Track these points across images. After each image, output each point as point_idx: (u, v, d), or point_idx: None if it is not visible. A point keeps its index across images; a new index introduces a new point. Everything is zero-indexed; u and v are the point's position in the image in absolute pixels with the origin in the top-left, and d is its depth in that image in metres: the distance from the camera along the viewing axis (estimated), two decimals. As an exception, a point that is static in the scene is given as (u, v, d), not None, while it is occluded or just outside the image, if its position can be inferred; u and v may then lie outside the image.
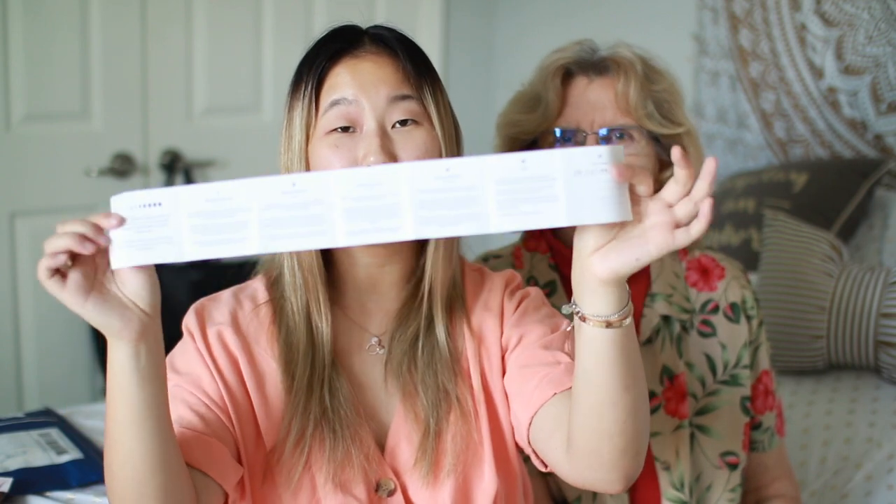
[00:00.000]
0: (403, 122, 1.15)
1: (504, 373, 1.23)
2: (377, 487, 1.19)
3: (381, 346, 1.23)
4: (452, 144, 1.19)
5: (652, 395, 1.49)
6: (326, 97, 1.15)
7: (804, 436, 1.95)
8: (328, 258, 1.22)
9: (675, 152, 0.91)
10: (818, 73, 2.54)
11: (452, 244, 1.21)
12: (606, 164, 0.91)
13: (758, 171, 2.57)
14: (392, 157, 1.13)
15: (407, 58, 1.17)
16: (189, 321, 1.22)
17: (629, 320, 1.00)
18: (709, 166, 0.90)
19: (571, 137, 1.47)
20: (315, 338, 1.19)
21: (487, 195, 0.92)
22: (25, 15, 2.70)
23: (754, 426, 1.58)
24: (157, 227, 0.97)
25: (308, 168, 1.17)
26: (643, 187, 0.93)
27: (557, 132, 1.47)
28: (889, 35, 2.37)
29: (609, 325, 0.98)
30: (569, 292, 1.52)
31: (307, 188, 0.94)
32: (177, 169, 2.98)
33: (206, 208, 0.96)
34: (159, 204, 0.96)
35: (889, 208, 2.33)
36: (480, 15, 3.51)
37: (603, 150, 0.91)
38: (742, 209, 2.44)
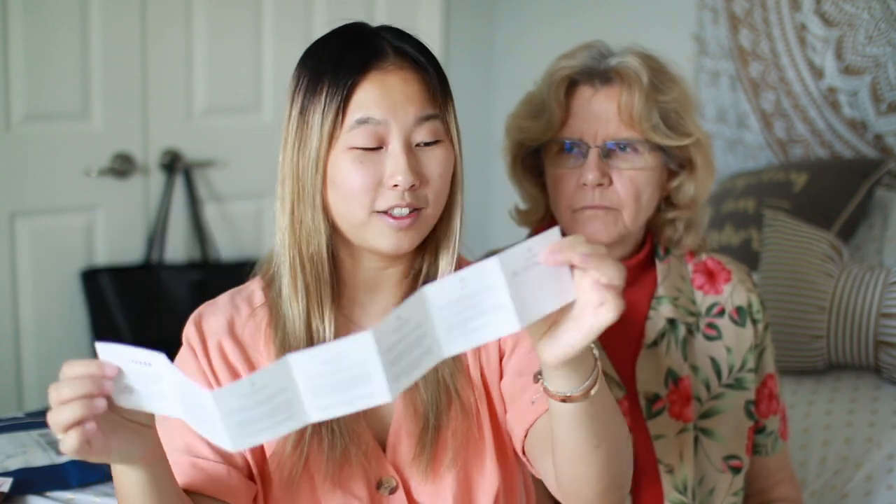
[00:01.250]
0: (429, 142, 1.15)
1: (501, 376, 1.23)
2: (378, 485, 1.19)
3: None
4: (461, 158, 1.20)
5: (656, 397, 1.49)
6: (353, 113, 1.13)
7: (804, 436, 1.95)
8: (331, 260, 1.21)
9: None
10: (818, 73, 2.54)
11: (452, 246, 1.21)
12: (537, 256, 0.90)
13: (758, 171, 2.57)
14: (419, 176, 1.13)
15: (434, 74, 1.16)
16: (189, 334, 1.22)
17: (596, 388, 0.99)
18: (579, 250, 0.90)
19: (575, 149, 1.47)
20: (315, 342, 1.18)
21: (434, 325, 0.89)
22: (25, 15, 2.70)
23: (758, 430, 1.58)
24: (153, 383, 0.94)
25: (325, 178, 1.14)
26: (577, 257, 0.91)
27: (567, 145, 1.47)
28: (889, 35, 2.37)
29: (570, 399, 0.99)
30: None
31: (267, 384, 0.88)
32: (177, 169, 2.98)
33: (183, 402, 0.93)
34: (149, 364, 0.93)
35: (889, 208, 2.33)
36: (480, 15, 3.51)
37: (532, 243, 0.90)
38: (742, 209, 2.44)
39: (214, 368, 1.18)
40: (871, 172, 2.35)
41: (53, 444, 1.75)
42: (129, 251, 2.95)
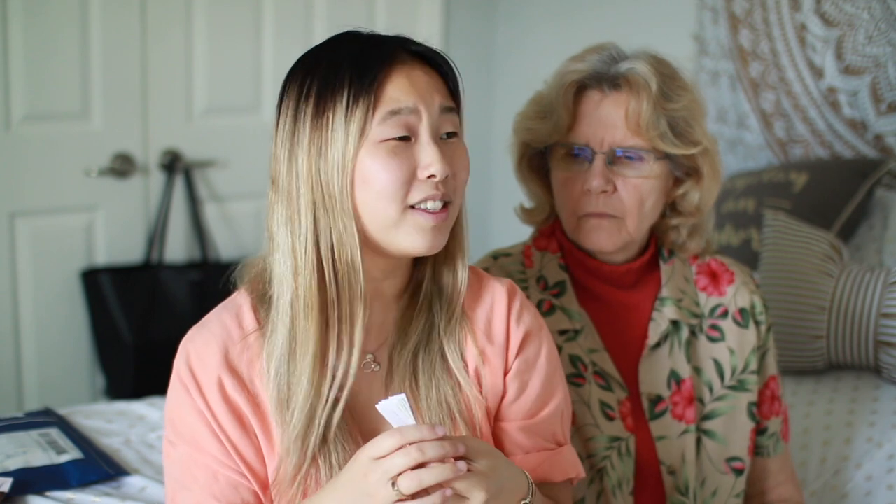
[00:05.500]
0: (450, 134, 1.15)
1: (496, 414, 1.23)
2: None
3: (375, 362, 1.20)
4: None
5: (659, 399, 1.49)
6: (384, 105, 1.10)
7: (804, 436, 1.95)
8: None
9: None
10: (818, 73, 2.54)
11: (457, 253, 1.20)
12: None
13: (758, 171, 2.57)
14: (451, 166, 1.13)
15: (449, 69, 1.16)
16: (180, 370, 1.16)
17: None
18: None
19: (581, 154, 1.46)
20: (325, 371, 1.13)
21: None
22: (25, 15, 2.70)
23: (759, 431, 1.58)
24: None
25: (353, 179, 1.10)
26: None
27: (573, 150, 1.46)
28: (889, 35, 2.37)
29: None
30: (578, 294, 1.52)
31: None
32: (177, 169, 2.98)
33: None
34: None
35: (889, 208, 2.33)
36: (480, 15, 3.51)
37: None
38: (742, 209, 2.44)
39: (212, 407, 1.14)
40: (871, 172, 2.35)
41: (53, 445, 1.75)
42: (129, 251, 2.95)
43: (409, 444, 0.98)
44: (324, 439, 1.13)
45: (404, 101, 1.11)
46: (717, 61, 2.83)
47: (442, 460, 0.98)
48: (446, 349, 1.18)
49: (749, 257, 2.31)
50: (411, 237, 1.12)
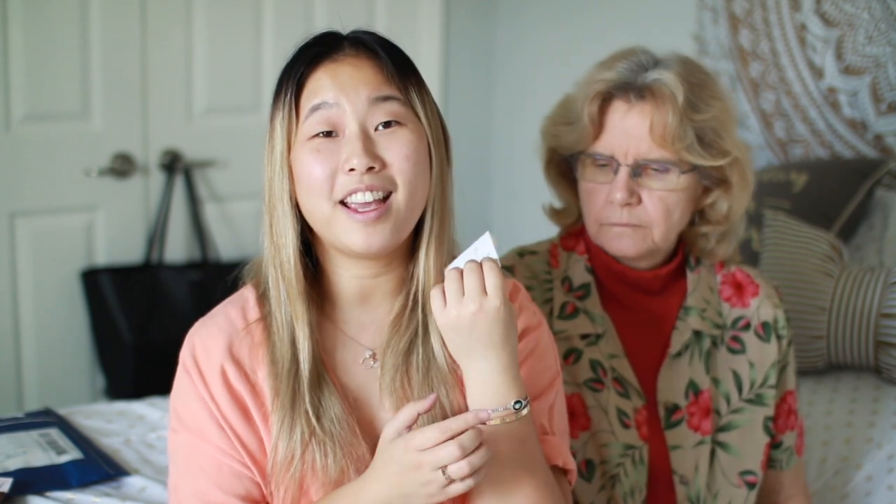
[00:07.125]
0: (387, 124, 1.13)
1: None
2: None
3: (374, 359, 1.20)
4: (441, 144, 1.18)
5: (675, 408, 1.48)
6: (307, 103, 1.14)
7: (804, 436, 1.96)
8: (319, 271, 1.20)
9: None
10: (818, 73, 2.54)
11: (444, 249, 1.19)
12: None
13: (758, 171, 2.57)
14: (376, 159, 1.12)
15: (388, 58, 1.15)
16: (186, 359, 1.19)
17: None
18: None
19: (606, 164, 1.44)
20: (299, 354, 1.16)
21: None
22: (25, 15, 2.70)
23: (774, 445, 1.57)
24: None
25: (291, 179, 1.14)
26: None
27: (600, 160, 1.45)
28: (889, 35, 2.37)
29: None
30: (603, 297, 1.51)
31: None
32: (177, 169, 2.98)
33: None
34: (475, 248, 1.16)
35: (889, 208, 2.33)
36: (480, 15, 3.51)
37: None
38: (742, 209, 2.44)
39: (215, 396, 1.16)
40: (871, 172, 2.35)
41: (53, 445, 1.75)
42: (129, 251, 2.95)
43: (452, 436, 1.04)
44: (317, 428, 1.14)
45: (325, 97, 1.13)
46: (717, 61, 2.83)
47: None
48: (435, 348, 1.18)
49: (749, 257, 2.30)
50: (346, 234, 1.14)
